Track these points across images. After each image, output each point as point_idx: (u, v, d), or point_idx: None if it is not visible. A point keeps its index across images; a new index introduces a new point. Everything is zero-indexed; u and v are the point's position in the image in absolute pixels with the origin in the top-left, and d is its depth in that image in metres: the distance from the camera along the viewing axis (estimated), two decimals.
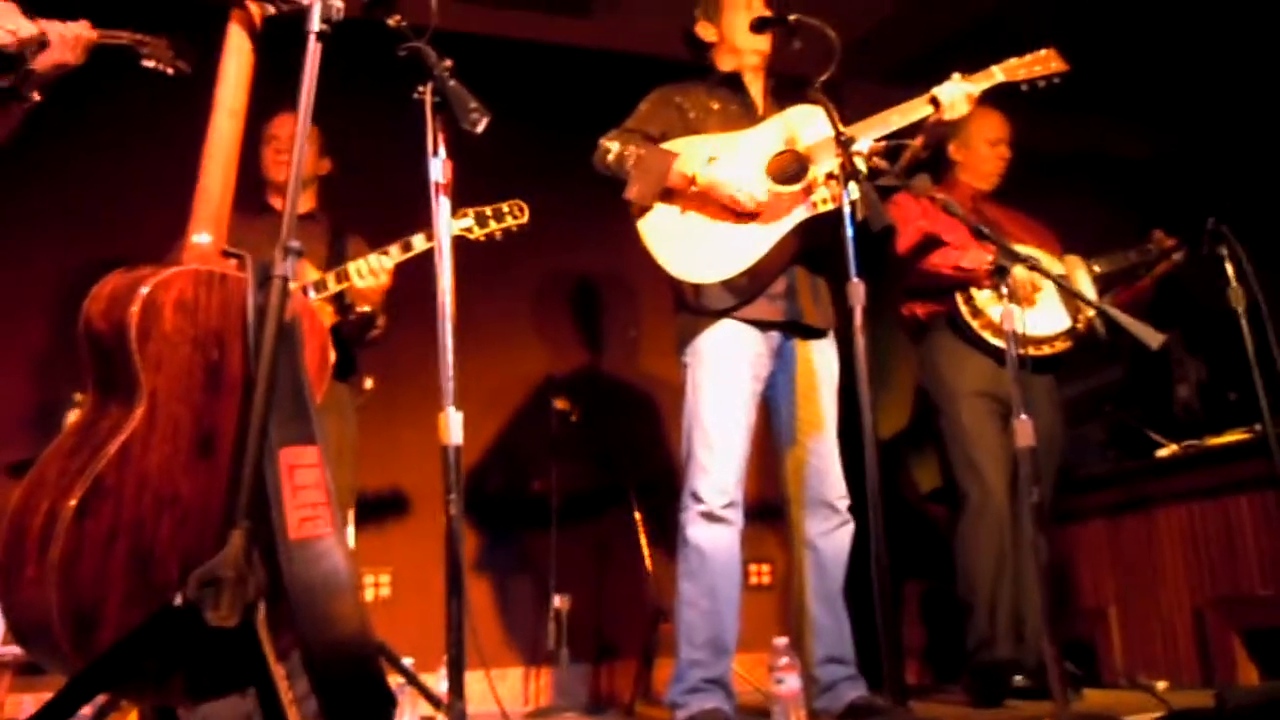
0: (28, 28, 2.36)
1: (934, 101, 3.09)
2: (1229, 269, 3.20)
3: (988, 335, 3.59)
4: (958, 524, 3.64)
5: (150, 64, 2.77)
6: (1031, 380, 3.42)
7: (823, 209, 2.99)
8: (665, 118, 3.24)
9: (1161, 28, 5.35)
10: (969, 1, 5.22)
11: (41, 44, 2.42)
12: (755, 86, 3.31)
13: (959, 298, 3.66)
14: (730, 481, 2.98)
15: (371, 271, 3.29)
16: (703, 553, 2.95)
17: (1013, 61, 3.23)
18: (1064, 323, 3.65)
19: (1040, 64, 3.23)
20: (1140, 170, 6.17)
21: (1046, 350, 3.64)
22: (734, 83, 3.30)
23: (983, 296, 3.62)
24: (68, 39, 2.47)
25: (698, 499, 2.98)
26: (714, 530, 2.96)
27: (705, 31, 3.33)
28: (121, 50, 2.70)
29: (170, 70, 2.75)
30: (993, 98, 3.24)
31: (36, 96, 2.52)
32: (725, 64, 3.31)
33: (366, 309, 3.41)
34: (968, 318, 3.63)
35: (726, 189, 3.00)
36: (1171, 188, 5.61)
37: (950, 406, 3.67)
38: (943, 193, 3.58)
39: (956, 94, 3.09)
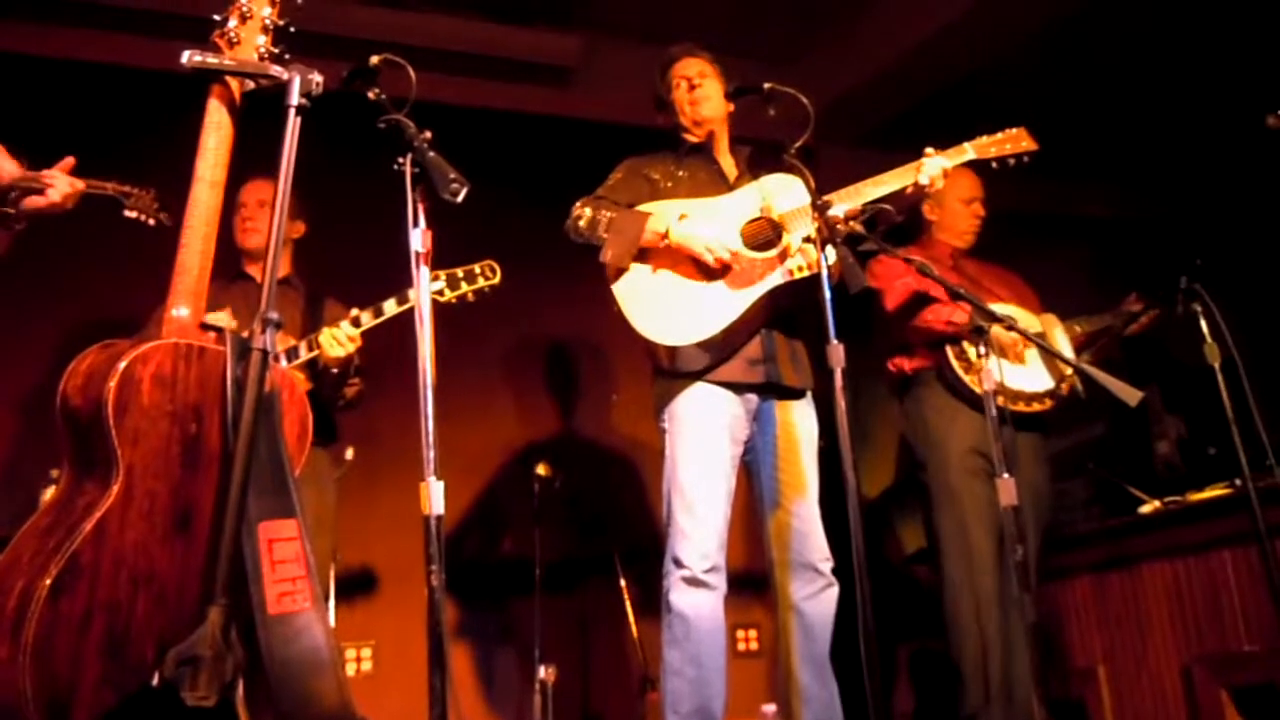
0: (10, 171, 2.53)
1: (915, 182, 3.13)
2: (1204, 326, 3.23)
3: (978, 388, 3.59)
4: (942, 586, 3.62)
5: (133, 214, 2.89)
6: (1018, 437, 3.43)
7: (799, 275, 3.01)
8: (635, 188, 3.27)
9: (1126, 89, 5.46)
10: (943, 68, 5.31)
11: (34, 188, 2.53)
12: (725, 155, 3.35)
13: (950, 351, 3.67)
14: (711, 545, 2.96)
15: (338, 342, 3.29)
16: (686, 619, 2.92)
17: (984, 140, 3.29)
18: (1048, 383, 3.68)
19: (1011, 143, 3.30)
20: (1112, 229, 6.26)
21: (1036, 407, 3.65)
22: (703, 152, 3.34)
23: (974, 350, 3.63)
24: (61, 187, 2.59)
25: (679, 564, 2.95)
26: (697, 596, 2.93)
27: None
28: (106, 200, 2.82)
29: (152, 222, 2.95)
30: (968, 164, 3.30)
31: (21, 226, 2.63)
32: (692, 135, 3.36)
33: (334, 371, 3.39)
34: (959, 370, 3.64)
35: (698, 243, 3.02)
36: (1143, 245, 5.69)
37: (935, 462, 3.67)
38: (920, 252, 3.63)
39: (936, 170, 3.14)
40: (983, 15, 4.93)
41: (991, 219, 3.99)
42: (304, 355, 3.32)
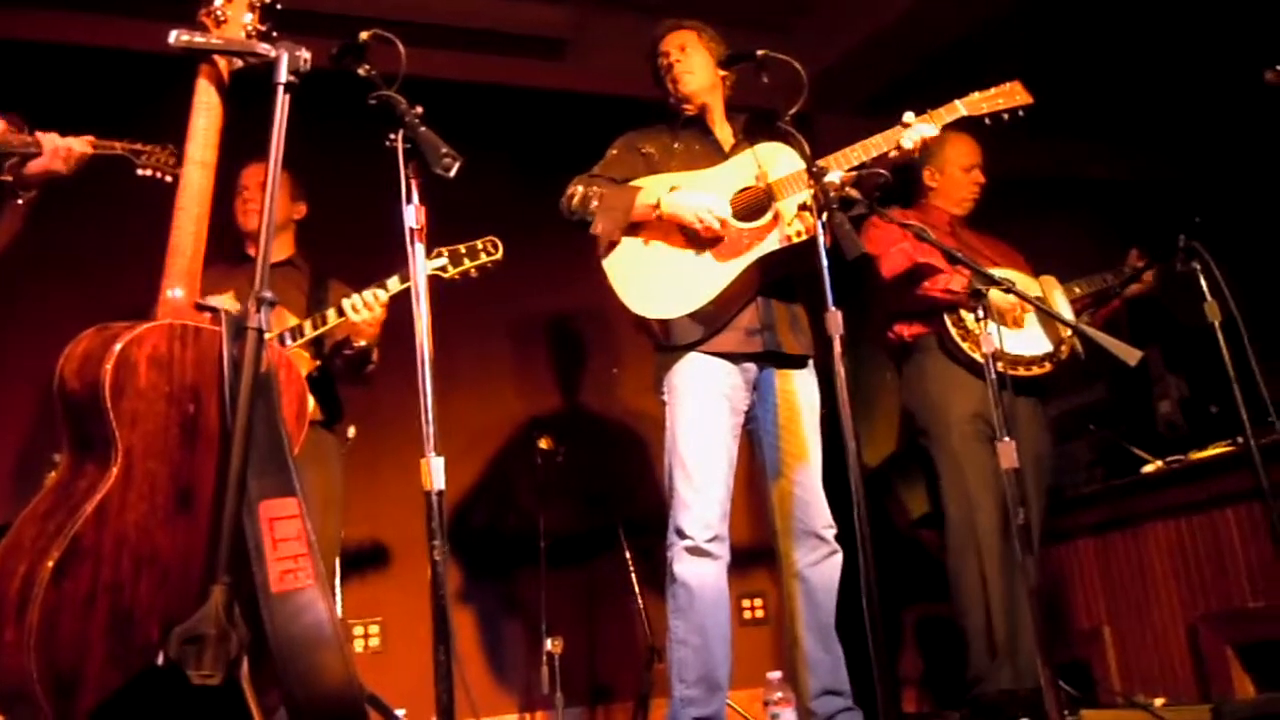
0: None
1: (898, 146, 3.10)
2: (1203, 284, 3.22)
3: (978, 355, 3.59)
4: (946, 550, 3.62)
5: (146, 172, 2.83)
6: (1017, 402, 3.43)
7: (797, 240, 3.00)
8: (630, 163, 3.27)
9: (1124, 50, 5.42)
10: (938, 31, 5.27)
11: (31, 152, 2.50)
12: (721, 126, 3.34)
13: (948, 319, 3.66)
14: (713, 515, 2.97)
15: (367, 305, 3.29)
16: (690, 589, 2.93)
17: (975, 96, 3.24)
18: (1046, 346, 3.67)
19: (1004, 97, 3.23)
20: (1112, 191, 6.23)
21: (1035, 371, 3.64)
22: (698, 124, 3.33)
23: (971, 318, 3.62)
24: (59, 150, 2.54)
25: (682, 534, 2.97)
26: (700, 565, 2.94)
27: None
28: (117, 159, 2.77)
29: (169, 179, 2.83)
30: (965, 124, 3.26)
31: (32, 194, 2.64)
32: (688, 107, 3.34)
33: (363, 343, 3.39)
34: (957, 339, 3.64)
35: (688, 211, 3.02)
36: (1143, 207, 5.66)
37: (938, 429, 3.67)
38: (918, 217, 3.61)
39: (918, 137, 3.12)
40: None
41: (991, 184, 3.97)
42: (309, 333, 3.32)
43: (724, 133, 3.33)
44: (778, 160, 3.10)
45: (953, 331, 3.65)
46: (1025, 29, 5.15)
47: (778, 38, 3.31)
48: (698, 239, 3.07)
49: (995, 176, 3.98)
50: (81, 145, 2.65)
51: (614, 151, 3.34)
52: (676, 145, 3.29)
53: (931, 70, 5.31)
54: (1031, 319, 3.67)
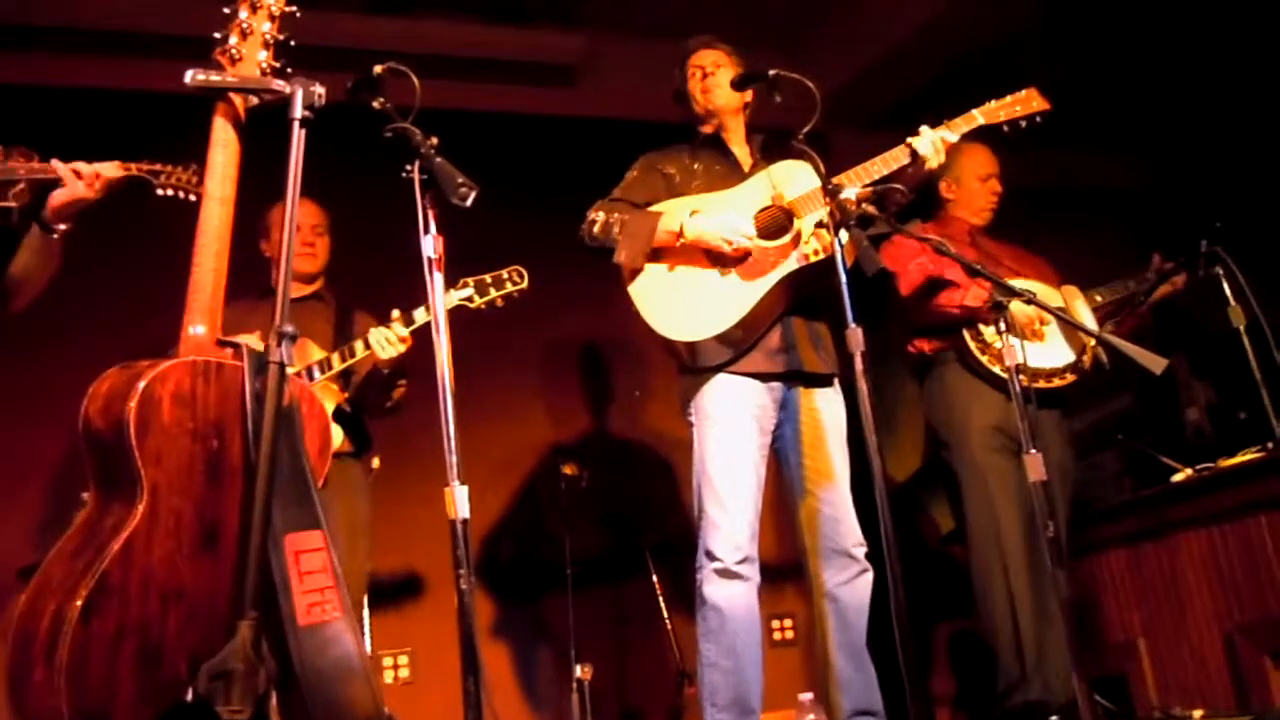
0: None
1: (912, 154, 3.10)
2: (1226, 289, 3.19)
3: (997, 369, 3.59)
4: (971, 563, 3.60)
5: (168, 192, 2.82)
6: (1040, 414, 3.40)
7: (814, 259, 3.00)
8: (651, 185, 3.28)
9: (1140, 57, 5.40)
10: (954, 44, 5.27)
11: (48, 180, 2.52)
12: (740, 145, 3.34)
13: (966, 334, 3.66)
14: (743, 537, 2.96)
15: (389, 342, 3.31)
16: (721, 611, 2.92)
17: (992, 104, 3.23)
18: (1068, 357, 3.65)
19: (1021, 104, 3.23)
20: (1131, 199, 6.19)
21: (1057, 383, 3.62)
22: (717, 143, 3.33)
23: (990, 332, 3.62)
24: (85, 175, 2.56)
25: (711, 556, 2.95)
26: (730, 587, 2.93)
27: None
28: (138, 200, 2.79)
29: (192, 197, 2.80)
30: (981, 134, 3.26)
31: (64, 227, 2.66)
32: (707, 125, 3.35)
33: (385, 372, 3.41)
34: (976, 353, 3.63)
35: (714, 235, 3.02)
36: (1164, 215, 5.62)
37: (960, 442, 3.66)
38: (937, 230, 3.60)
39: (932, 144, 3.10)
40: None
41: (1010, 195, 3.96)
42: (337, 366, 3.33)
43: (742, 152, 3.34)
44: (796, 178, 3.10)
45: (971, 345, 3.64)
46: (1039, 41, 5.14)
47: (792, 56, 3.30)
48: (722, 260, 3.07)
49: (1013, 186, 3.97)
50: (111, 169, 2.67)
51: (634, 173, 3.34)
52: (696, 165, 3.29)
53: (947, 84, 5.30)
54: (1053, 330, 3.65)
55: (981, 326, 3.62)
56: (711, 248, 3.04)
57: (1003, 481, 3.53)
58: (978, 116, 3.20)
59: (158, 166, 2.83)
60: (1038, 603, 3.46)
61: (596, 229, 3.17)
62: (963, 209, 3.93)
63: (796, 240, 3.05)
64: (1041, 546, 2.68)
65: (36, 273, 2.74)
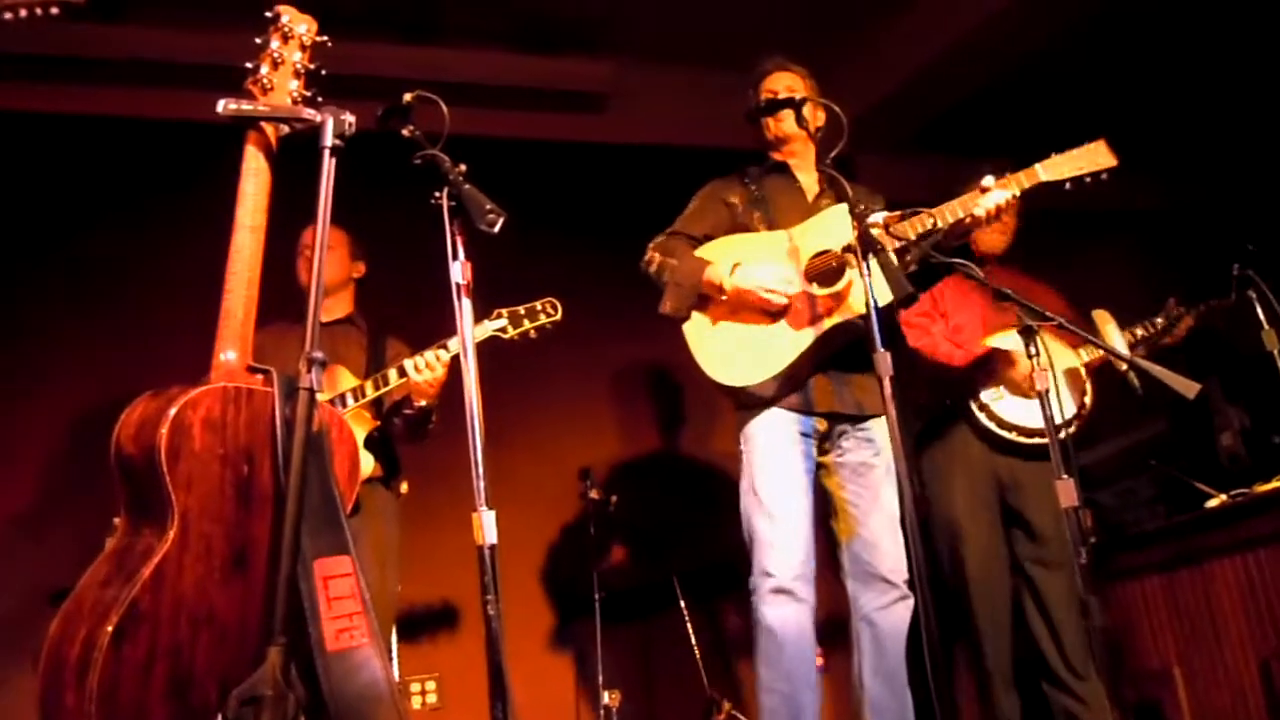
0: None
1: (972, 215, 2.96)
2: (1259, 312, 3.16)
3: (993, 426, 3.67)
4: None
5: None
6: (1041, 468, 3.41)
7: (855, 318, 2.95)
8: (713, 215, 3.26)
9: (1169, 79, 5.38)
10: (980, 69, 5.25)
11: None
12: (807, 173, 3.30)
13: (973, 405, 3.73)
14: (798, 556, 2.94)
15: (429, 366, 3.31)
16: (775, 635, 2.90)
17: (1056, 158, 2.99)
18: (1071, 408, 3.63)
19: (1087, 159, 2.98)
20: (1161, 221, 6.15)
21: (1063, 434, 3.59)
22: (785, 170, 3.31)
23: (986, 394, 3.69)
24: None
25: (768, 574, 2.93)
26: (785, 609, 2.91)
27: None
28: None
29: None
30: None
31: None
32: (776, 152, 3.33)
33: (424, 404, 3.41)
34: (974, 411, 3.71)
35: (755, 292, 3.01)
36: (1194, 237, 5.58)
37: (940, 496, 3.77)
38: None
39: (996, 204, 2.95)
40: (1016, 13, 4.88)
41: (1036, 218, 3.92)
42: (370, 394, 3.34)
43: (809, 180, 3.30)
44: (846, 223, 3.03)
45: (971, 405, 3.71)
46: (1064, 65, 5.13)
47: (817, 80, 3.29)
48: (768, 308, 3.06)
49: (1040, 209, 3.94)
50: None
51: (695, 203, 3.32)
52: (760, 194, 3.26)
53: (972, 109, 5.29)
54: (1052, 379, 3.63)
55: (983, 394, 3.70)
56: (751, 304, 3.04)
57: (978, 536, 3.70)
58: (1040, 172, 2.98)
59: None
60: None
61: (652, 269, 3.20)
62: (976, 242, 3.90)
63: (849, 289, 2.98)
64: (1075, 573, 2.66)
65: None
